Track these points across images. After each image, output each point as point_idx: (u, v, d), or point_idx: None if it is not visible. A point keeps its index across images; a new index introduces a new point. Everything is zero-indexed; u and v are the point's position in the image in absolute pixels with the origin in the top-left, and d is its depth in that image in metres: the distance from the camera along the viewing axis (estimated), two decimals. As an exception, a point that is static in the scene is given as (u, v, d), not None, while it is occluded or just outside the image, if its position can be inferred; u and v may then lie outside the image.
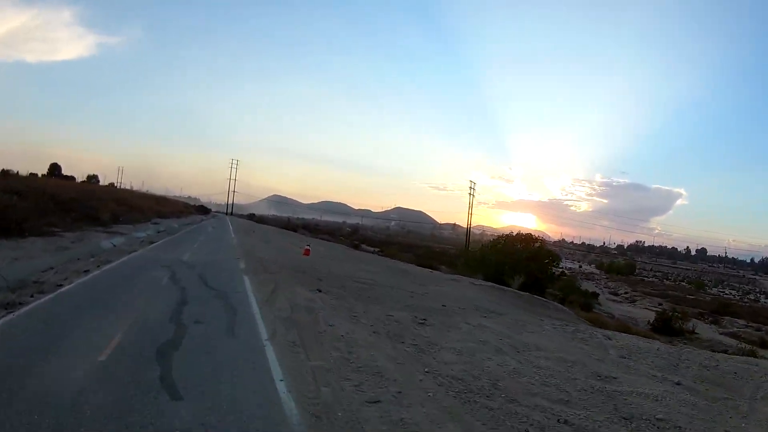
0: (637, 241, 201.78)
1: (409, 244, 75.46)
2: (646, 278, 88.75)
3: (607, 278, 73.94)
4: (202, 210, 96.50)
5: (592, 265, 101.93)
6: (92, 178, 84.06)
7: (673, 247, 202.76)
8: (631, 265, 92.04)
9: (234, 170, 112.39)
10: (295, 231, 67.01)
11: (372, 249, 46.12)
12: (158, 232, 27.77)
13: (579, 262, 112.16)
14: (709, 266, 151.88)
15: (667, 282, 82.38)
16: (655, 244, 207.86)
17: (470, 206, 71.41)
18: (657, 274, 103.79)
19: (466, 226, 72.32)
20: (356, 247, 46.21)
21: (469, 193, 71.97)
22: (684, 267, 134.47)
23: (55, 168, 75.95)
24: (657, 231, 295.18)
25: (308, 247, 25.45)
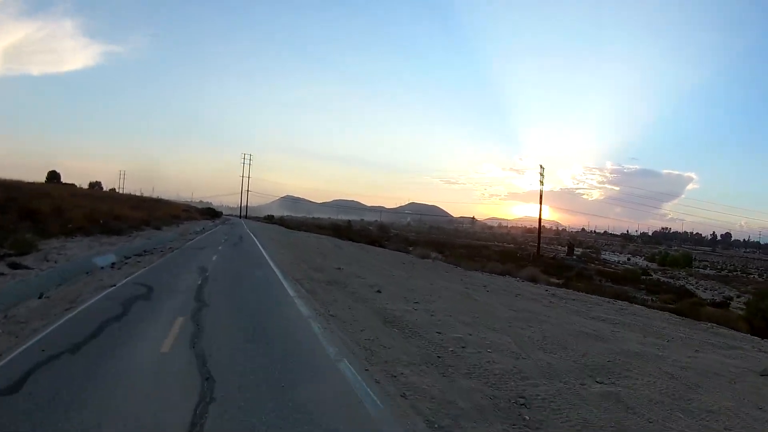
0: (663, 228, 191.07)
1: (449, 243, 65.25)
2: (702, 270, 79.14)
3: (669, 273, 64.23)
4: (210, 213, 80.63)
5: (640, 257, 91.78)
6: (95, 185, 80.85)
7: (697, 233, 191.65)
8: (688, 257, 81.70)
9: (247, 166, 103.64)
10: (377, 244, 38.86)
11: (437, 255, 33.68)
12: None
13: (620, 253, 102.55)
14: (745, 252, 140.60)
15: (738, 273, 72.38)
16: (680, 230, 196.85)
17: (540, 197, 52.20)
18: (704, 264, 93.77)
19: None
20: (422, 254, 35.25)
21: (540, 181, 52.31)
22: (725, 254, 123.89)
23: (53, 175, 70.32)
24: (669, 216, 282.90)
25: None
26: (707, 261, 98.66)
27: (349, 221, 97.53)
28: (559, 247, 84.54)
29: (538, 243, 51.97)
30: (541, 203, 49.17)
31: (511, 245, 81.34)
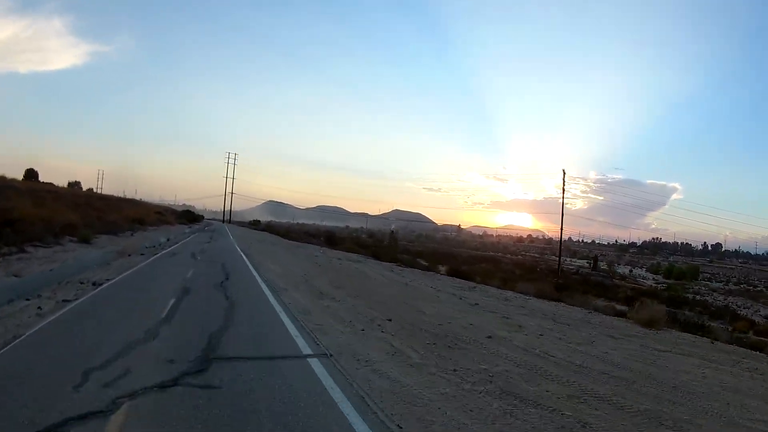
0: (654, 238, 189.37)
1: (451, 254, 59.49)
2: (708, 282, 75.24)
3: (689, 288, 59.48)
4: (187, 217, 67.18)
5: (640, 269, 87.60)
6: (74, 185, 77.75)
7: (686, 243, 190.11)
8: (695, 270, 77.65)
9: (231, 166, 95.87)
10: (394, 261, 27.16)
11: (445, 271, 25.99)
12: None
13: (617, 264, 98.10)
14: (741, 263, 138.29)
15: (744, 286, 68.38)
16: (670, 240, 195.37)
17: (562, 206, 44.91)
18: (705, 275, 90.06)
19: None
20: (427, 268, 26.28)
21: (562, 188, 45.15)
22: (722, 265, 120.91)
23: (31, 173, 64.83)
24: (653, 226, 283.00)
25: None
26: (707, 272, 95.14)
27: (354, 227, 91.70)
28: (568, 259, 79.51)
29: (559, 257, 46.63)
30: (563, 213, 43.70)
31: (517, 256, 76.33)
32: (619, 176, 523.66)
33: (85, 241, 19.27)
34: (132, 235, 27.75)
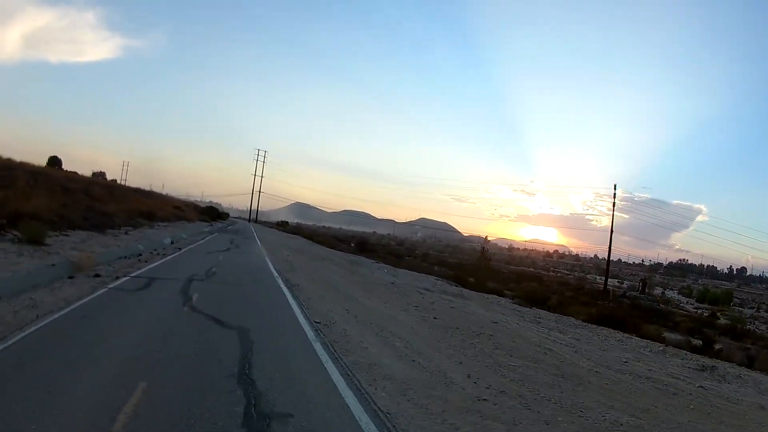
0: (680, 260, 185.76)
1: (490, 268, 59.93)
2: (740, 308, 74.18)
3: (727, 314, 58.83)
4: (209, 214, 59.89)
5: (673, 290, 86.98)
6: (98, 174, 75.98)
7: (711, 266, 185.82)
8: (729, 295, 76.91)
9: (261, 164, 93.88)
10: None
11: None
12: None
13: (644, 283, 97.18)
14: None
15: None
16: (696, 262, 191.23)
17: (612, 221, 44.34)
18: (737, 300, 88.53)
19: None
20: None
21: (613, 203, 43.98)
22: (751, 291, 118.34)
23: (54, 160, 67.46)
24: (677, 247, 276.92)
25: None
26: (737, 297, 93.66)
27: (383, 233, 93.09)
28: (597, 277, 79.54)
29: (606, 278, 46.61)
30: (612, 229, 44.11)
31: (549, 272, 76.82)
32: (646, 195, 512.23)
33: (34, 240, 11.69)
34: (127, 233, 19.60)
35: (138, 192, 46.12)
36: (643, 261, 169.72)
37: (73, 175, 40.36)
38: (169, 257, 15.75)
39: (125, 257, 13.86)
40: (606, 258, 46.71)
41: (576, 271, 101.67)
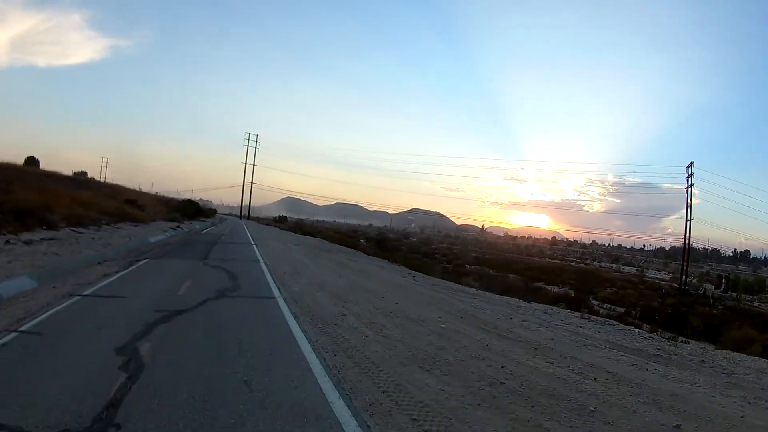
0: (686, 243, 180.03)
1: (508, 260, 52.86)
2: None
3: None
4: (186, 211, 46.24)
5: (691, 278, 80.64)
6: (79, 174, 71.85)
7: (714, 249, 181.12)
8: (762, 282, 70.96)
9: (253, 150, 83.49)
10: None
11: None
12: None
13: (659, 271, 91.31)
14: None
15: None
16: (699, 247, 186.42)
17: (689, 209, 41.19)
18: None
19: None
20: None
21: (687, 187, 40.46)
22: (763, 275, 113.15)
23: (31, 160, 60.39)
24: (669, 230, 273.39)
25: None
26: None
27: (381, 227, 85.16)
28: (613, 266, 72.54)
29: (684, 277, 39.06)
30: (689, 218, 36.89)
31: (562, 262, 69.84)
32: (637, 179, 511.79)
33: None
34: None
35: (52, 178, 31.93)
36: (644, 246, 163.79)
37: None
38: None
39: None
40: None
41: (587, 259, 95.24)
